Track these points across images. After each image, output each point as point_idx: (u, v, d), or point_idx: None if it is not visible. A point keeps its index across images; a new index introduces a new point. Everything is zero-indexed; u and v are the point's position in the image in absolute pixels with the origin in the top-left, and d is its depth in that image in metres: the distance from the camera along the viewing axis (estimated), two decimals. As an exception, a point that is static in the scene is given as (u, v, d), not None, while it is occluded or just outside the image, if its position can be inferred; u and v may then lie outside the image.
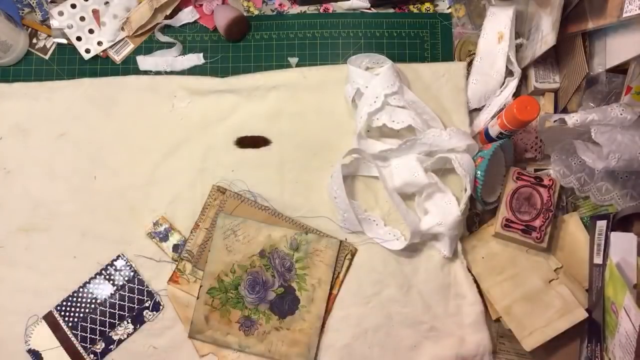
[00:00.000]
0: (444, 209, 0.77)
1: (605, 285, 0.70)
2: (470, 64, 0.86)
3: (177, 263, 0.80)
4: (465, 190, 0.77)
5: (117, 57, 0.88)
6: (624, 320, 0.64)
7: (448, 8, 0.89)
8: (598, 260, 0.74)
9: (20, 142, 0.84)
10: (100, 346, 0.79)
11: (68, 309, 0.80)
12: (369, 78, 0.80)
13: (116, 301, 0.80)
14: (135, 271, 0.81)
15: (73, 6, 0.86)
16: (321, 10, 0.90)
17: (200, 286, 0.79)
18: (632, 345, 0.62)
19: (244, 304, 0.79)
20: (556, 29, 0.74)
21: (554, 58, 0.84)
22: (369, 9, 0.89)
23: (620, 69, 0.75)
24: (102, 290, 0.80)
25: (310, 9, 0.90)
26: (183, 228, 0.81)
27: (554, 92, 0.84)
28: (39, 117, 0.85)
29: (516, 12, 0.84)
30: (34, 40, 0.89)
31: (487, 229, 0.81)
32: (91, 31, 0.87)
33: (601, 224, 0.75)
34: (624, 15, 0.67)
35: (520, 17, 0.85)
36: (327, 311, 0.79)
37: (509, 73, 0.85)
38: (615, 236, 0.71)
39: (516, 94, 0.84)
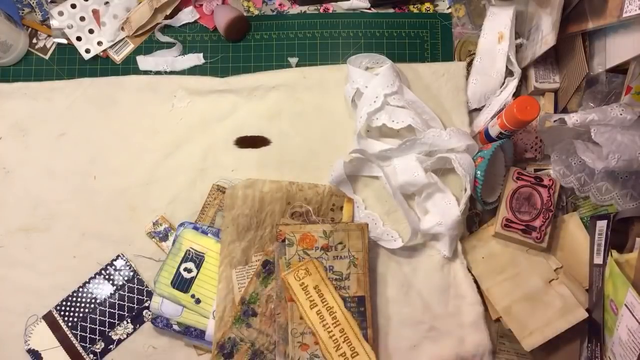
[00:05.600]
0: (443, 209, 0.77)
1: (605, 283, 0.70)
2: (470, 64, 0.86)
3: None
4: (465, 190, 0.76)
5: (117, 57, 0.88)
6: (624, 318, 0.64)
7: (448, 8, 0.89)
8: (598, 260, 0.74)
9: (20, 142, 0.84)
10: (99, 346, 0.79)
11: (68, 308, 0.80)
12: (369, 78, 0.80)
13: (116, 301, 0.80)
14: (134, 271, 0.81)
15: (73, 6, 0.86)
16: (321, 10, 0.90)
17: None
18: (636, 343, 0.62)
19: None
20: (556, 29, 0.74)
21: (554, 58, 0.84)
22: (369, 9, 0.89)
23: (620, 69, 0.75)
24: (102, 290, 0.80)
25: (310, 9, 0.90)
26: (183, 228, 0.82)
27: (554, 92, 0.84)
28: (39, 117, 0.85)
29: (516, 12, 0.84)
30: (34, 40, 0.89)
31: (487, 229, 0.81)
32: (91, 31, 0.87)
33: (601, 224, 0.75)
34: (624, 15, 0.67)
35: (520, 17, 0.85)
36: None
37: (509, 73, 0.85)
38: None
39: (516, 94, 0.84)
